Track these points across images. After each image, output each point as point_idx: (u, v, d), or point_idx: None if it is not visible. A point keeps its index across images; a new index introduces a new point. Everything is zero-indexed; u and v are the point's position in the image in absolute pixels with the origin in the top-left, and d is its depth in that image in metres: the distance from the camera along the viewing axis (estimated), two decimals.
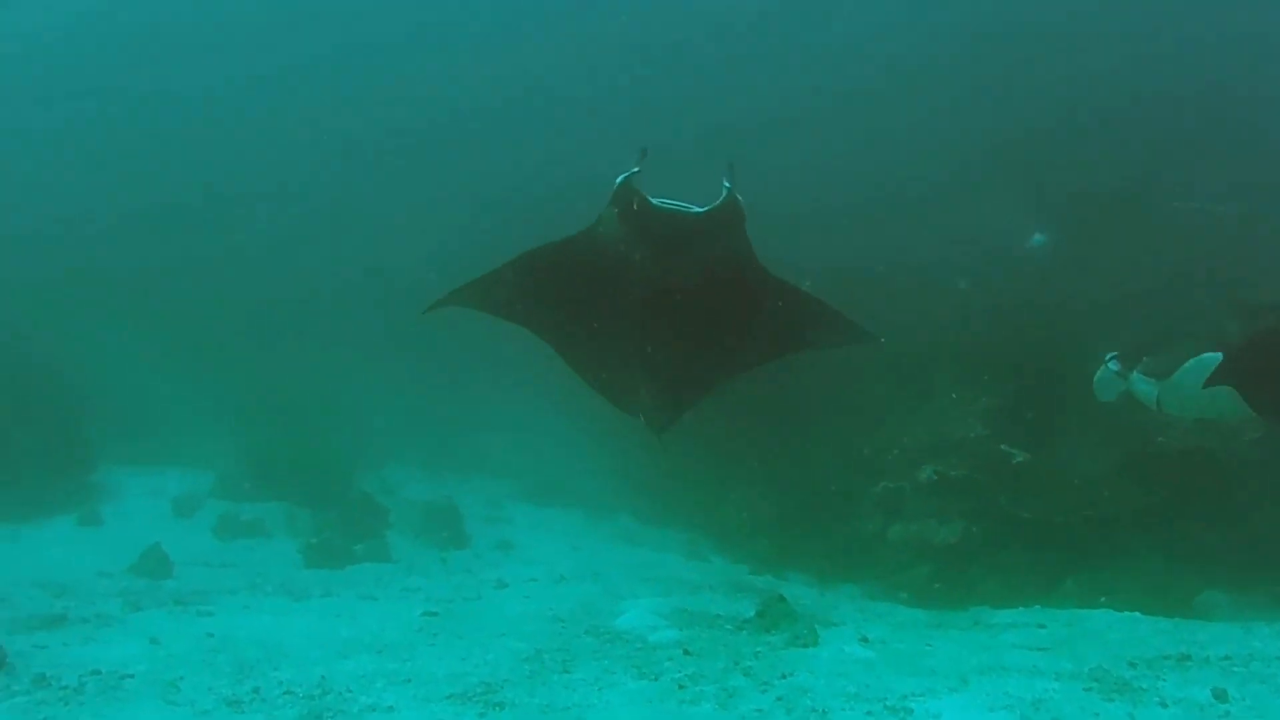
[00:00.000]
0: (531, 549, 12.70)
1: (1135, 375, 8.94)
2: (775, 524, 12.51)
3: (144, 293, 20.35)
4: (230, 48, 25.53)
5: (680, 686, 5.86)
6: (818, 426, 12.87)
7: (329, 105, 25.31)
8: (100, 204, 23.63)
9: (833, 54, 22.38)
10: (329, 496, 13.69)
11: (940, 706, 5.52)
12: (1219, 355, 7.85)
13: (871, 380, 12.64)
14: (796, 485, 12.62)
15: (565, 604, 8.64)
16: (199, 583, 10.15)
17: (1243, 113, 16.81)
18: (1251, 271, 11.23)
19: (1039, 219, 14.50)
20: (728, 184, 5.50)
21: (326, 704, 5.65)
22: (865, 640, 7.04)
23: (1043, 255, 14.03)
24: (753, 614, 7.42)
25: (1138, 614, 8.18)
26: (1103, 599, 9.47)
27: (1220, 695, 5.61)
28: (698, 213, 5.45)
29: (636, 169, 5.46)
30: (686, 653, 6.57)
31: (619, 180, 5.50)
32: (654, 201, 5.43)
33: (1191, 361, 8.07)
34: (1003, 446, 11.47)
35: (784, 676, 6.01)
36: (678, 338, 6.19)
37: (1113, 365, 9.16)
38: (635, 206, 5.45)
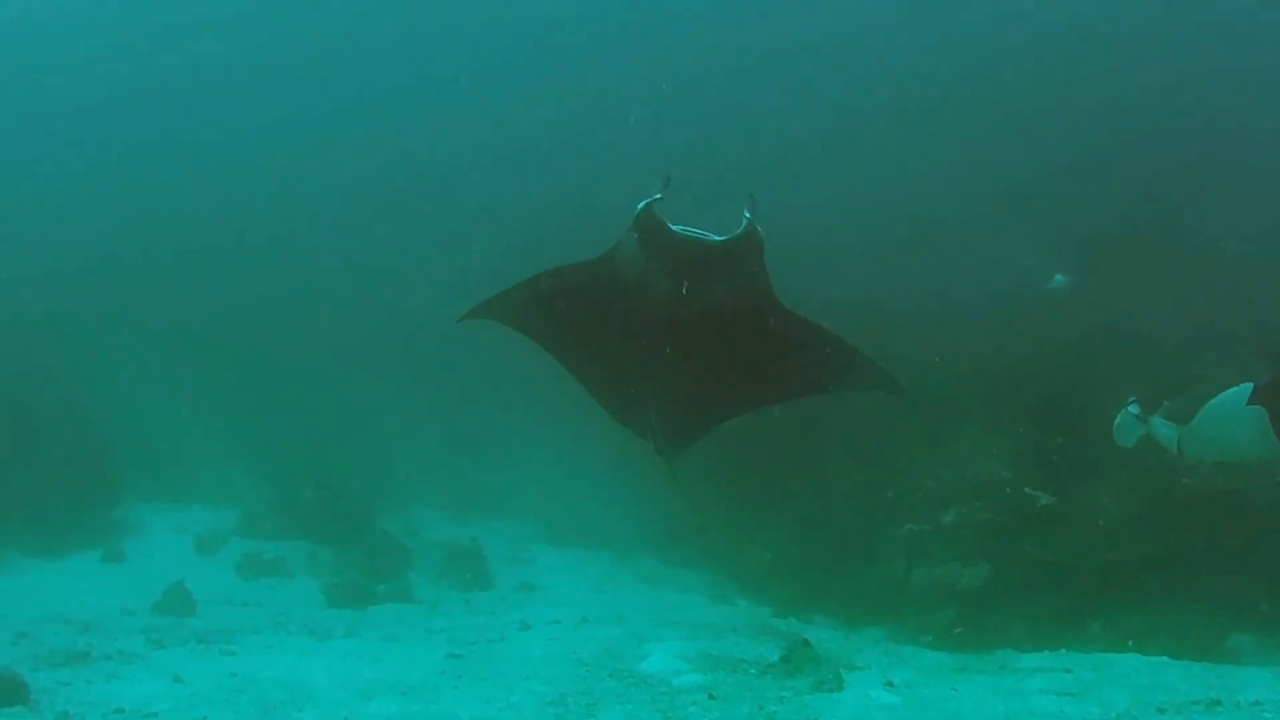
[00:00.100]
0: (555, 590, 12.66)
1: (1156, 419, 8.89)
2: (799, 566, 12.45)
3: (170, 331, 20.43)
4: (260, 93, 25.80)
5: None
6: (841, 468, 12.82)
7: (352, 150, 25.49)
8: (128, 245, 23.78)
9: (855, 93, 22.43)
10: (352, 536, 13.71)
11: None
12: (1240, 396, 7.79)
13: (895, 422, 12.58)
14: (820, 527, 12.57)
15: (589, 647, 8.62)
16: (222, 621, 10.17)
17: (1267, 150, 16.79)
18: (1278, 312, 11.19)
19: (1060, 259, 14.48)
20: (748, 214, 5.52)
21: None
22: (890, 685, 7.00)
23: (1064, 296, 14.01)
24: (777, 658, 7.39)
25: (1165, 658, 8.12)
26: (1129, 643, 9.41)
27: None
28: (716, 241, 5.47)
29: (659, 195, 5.49)
30: (711, 697, 6.54)
31: (640, 206, 5.52)
32: (673, 228, 5.46)
33: (1212, 403, 8.03)
34: (1027, 489, 11.39)
35: None
36: (690, 367, 6.19)
37: (1133, 409, 9.11)
38: (655, 232, 5.47)
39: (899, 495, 12.18)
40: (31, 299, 20.37)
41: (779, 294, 5.96)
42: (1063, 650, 8.96)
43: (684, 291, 5.67)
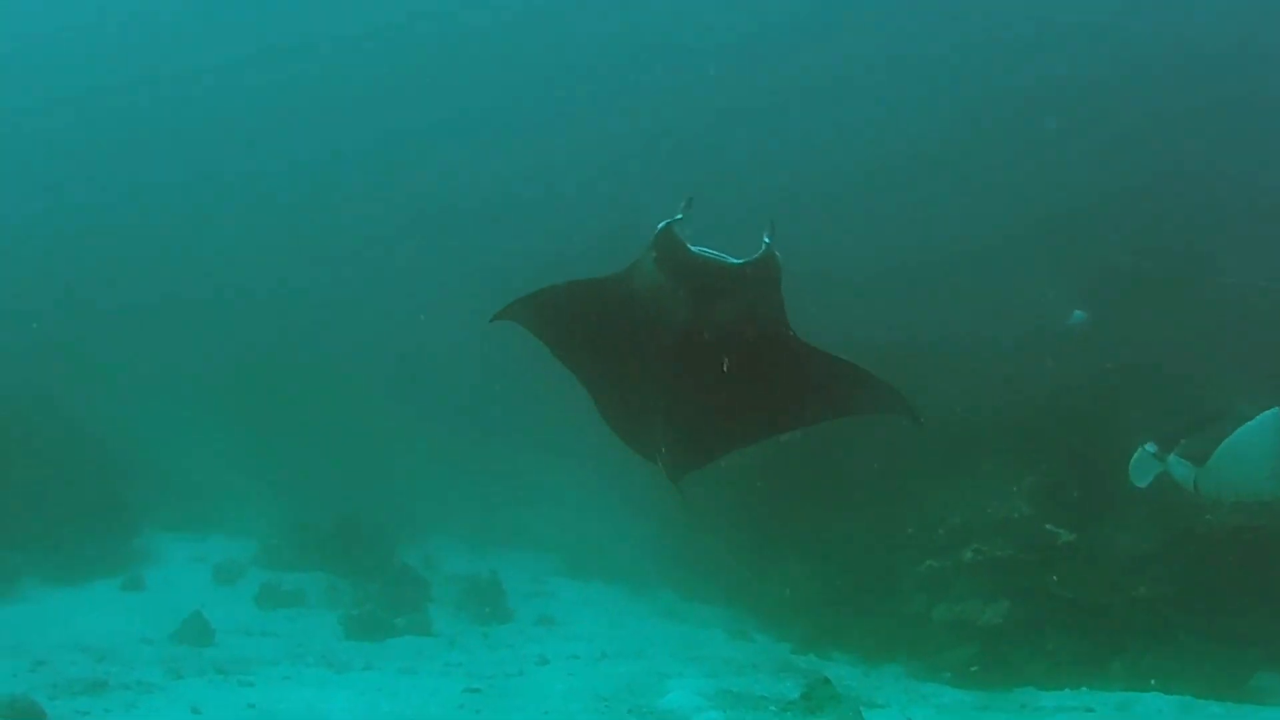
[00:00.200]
0: (574, 624, 12.63)
1: (1173, 457, 8.85)
2: (819, 602, 12.39)
3: (192, 361, 20.52)
4: (287, 132, 26.12)
5: None
6: (861, 503, 12.77)
7: (376, 187, 25.69)
8: (151, 278, 23.96)
9: (881, 131, 22.54)
10: (371, 568, 13.69)
11: None
12: (1254, 433, 7.75)
13: (915, 458, 12.55)
14: (840, 563, 12.51)
15: (608, 682, 8.60)
16: (240, 651, 10.17)
17: None
18: None
19: (1079, 295, 14.47)
20: (768, 239, 5.52)
21: None
22: None
23: (1083, 332, 13.99)
24: (797, 695, 7.36)
25: (1189, 697, 8.08)
26: (1152, 682, 9.35)
27: None
28: (733, 264, 5.48)
29: (680, 216, 5.50)
30: None
31: (660, 225, 5.54)
32: (692, 249, 5.48)
33: (1227, 442, 7.99)
34: (1048, 526, 11.34)
35: None
36: (700, 390, 6.18)
37: (1150, 447, 9.07)
38: (672, 251, 5.48)
39: (919, 531, 12.13)
40: (56, 329, 20.46)
41: (796, 324, 5.96)
42: (1084, 689, 8.92)
43: (697, 312, 5.68)
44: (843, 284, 15.41)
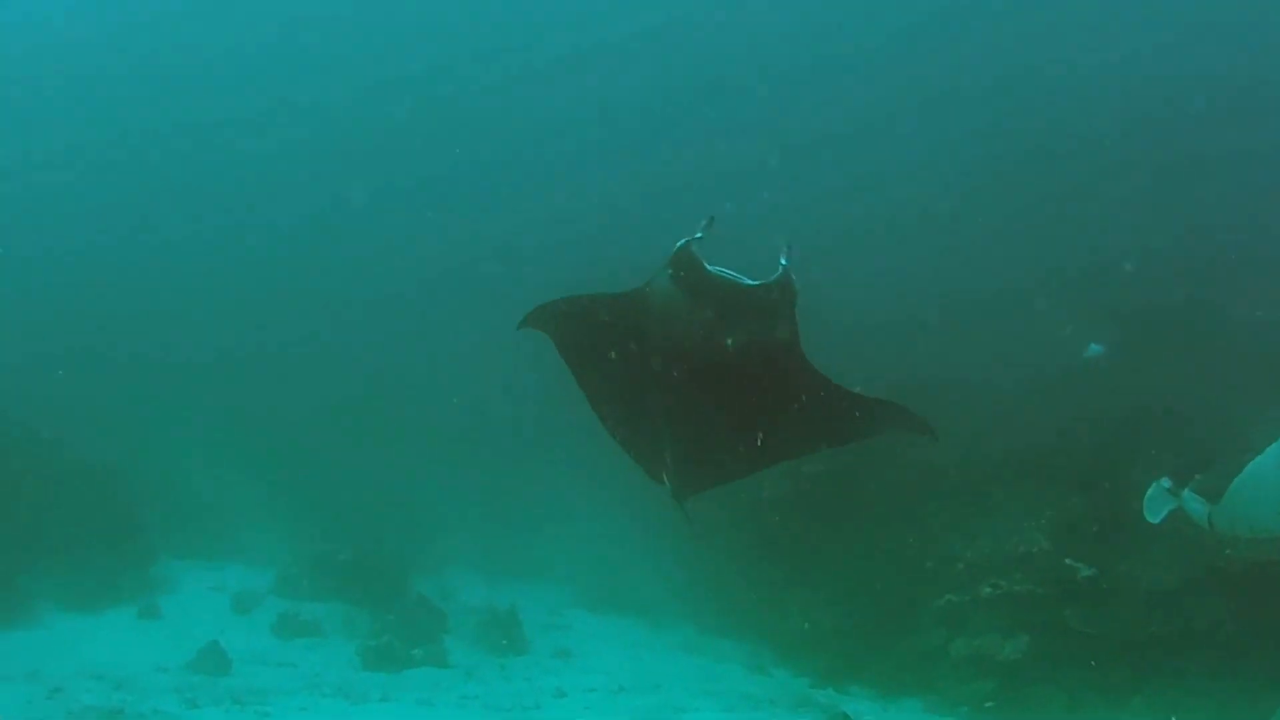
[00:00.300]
0: (591, 657, 12.59)
1: (1187, 493, 8.79)
2: (837, 635, 12.34)
3: (210, 390, 20.60)
4: (304, 186, 26.46)
5: None
6: (880, 537, 12.73)
7: (397, 234, 25.87)
8: (170, 311, 24.12)
9: (897, 172, 22.66)
10: (388, 598, 13.67)
11: None
12: (1266, 467, 7.71)
13: (934, 492, 12.53)
14: (858, 596, 12.47)
15: (625, 716, 8.58)
16: (257, 681, 10.17)
17: None
18: None
19: (1097, 330, 14.46)
20: (785, 261, 5.52)
21: None
22: None
23: (1099, 365, 13.96)
24: None
25: None
26: (1171, 718, 9.29)
27: None
28: (749, 285, 5.49)
29: (700, 234, 5.51)
30: None
31: (679, 244, 5.54)
32: (709, 267, 5.48)
33: (1240, 477, 7.95)
34: (1067, 560, 11.29)
35: None
36: (709, 409, 6.17)
37: (1164, 483, 9.01)
38: (689, 269, 5.49)
39: (938, 565, 12.09)
40: (76, 361, 20.56)
41: (813, 357, 5.95)
42: None
43: (710, 331, 5.68)
44: (864, 324, 15.41)
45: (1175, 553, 10.67)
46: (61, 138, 27.52)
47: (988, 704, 10.44)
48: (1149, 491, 8.98)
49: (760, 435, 6.14)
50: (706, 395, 5.92)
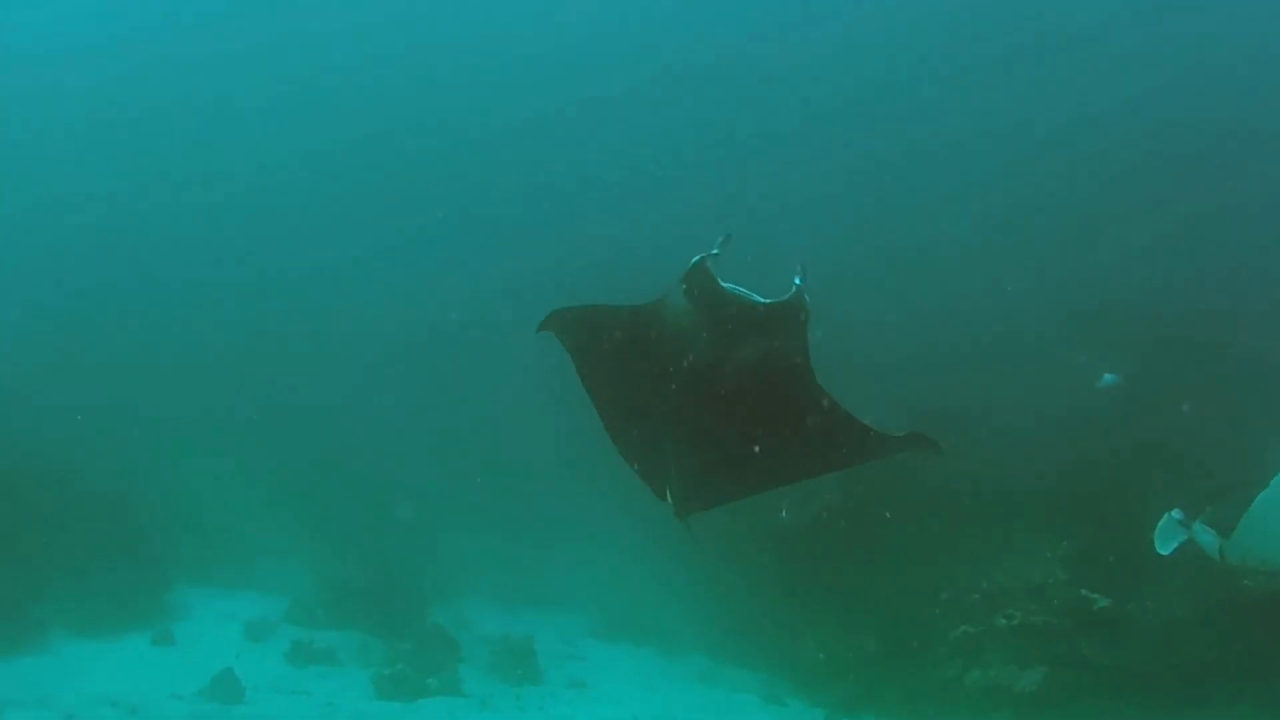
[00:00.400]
0: (606, 687, 12.58)
1: (1198, 524, 8.76)
2: (852, 666, 12.31)
3: (225, 417, 20.65)
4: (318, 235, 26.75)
5: None
6: (896, 567, 12.70)
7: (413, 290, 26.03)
8: (186, 340, 24.24)
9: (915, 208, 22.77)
10: (402, 627, 13.65)
11: None
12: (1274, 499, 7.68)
13: (950, 523, 12.50)
14: (874, 626, 12.43)
15: None
16: (271, 710, 10.17)
17: None
18: None
19: (1111, 360, 14.43)
20: (799, 280, 5.52)
21: None
22: None
23: (1114, 395, 13.93)
24: None
25: None
26: None
27: None
28: (762, 303, 5.49)
29: (716, 251, 5.51)
30: None
31: (694, 260, 5.55)
32: (722, 284, 5.49)
33: (1250, 511, 7.92)
34: (1083, 591, 11.25)
35: None
36: (715, 427, 6.15)
37: (1176, 514, 8.98)
38: (703, 285, 5.50)
39: (954, 596, 12.05)
40: (92, 385, 20.63)
41: (828, 382, 5.94)
42: None
43: (721, 347, 5.69)
44: (882, 353, 15.42)
45: (1192, 583, 10.63)
46: (87, 186, 27.86)
47: None
48: (1161, 523, 8.96)
49: (765, 455, 6.13)
50: (713, 412, 5.91)
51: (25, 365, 20.38)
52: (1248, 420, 12.05)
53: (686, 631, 14.19)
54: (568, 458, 14.59)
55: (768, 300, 5.45)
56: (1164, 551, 8.97)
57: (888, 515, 12.62)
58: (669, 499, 6.32)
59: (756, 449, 6.08)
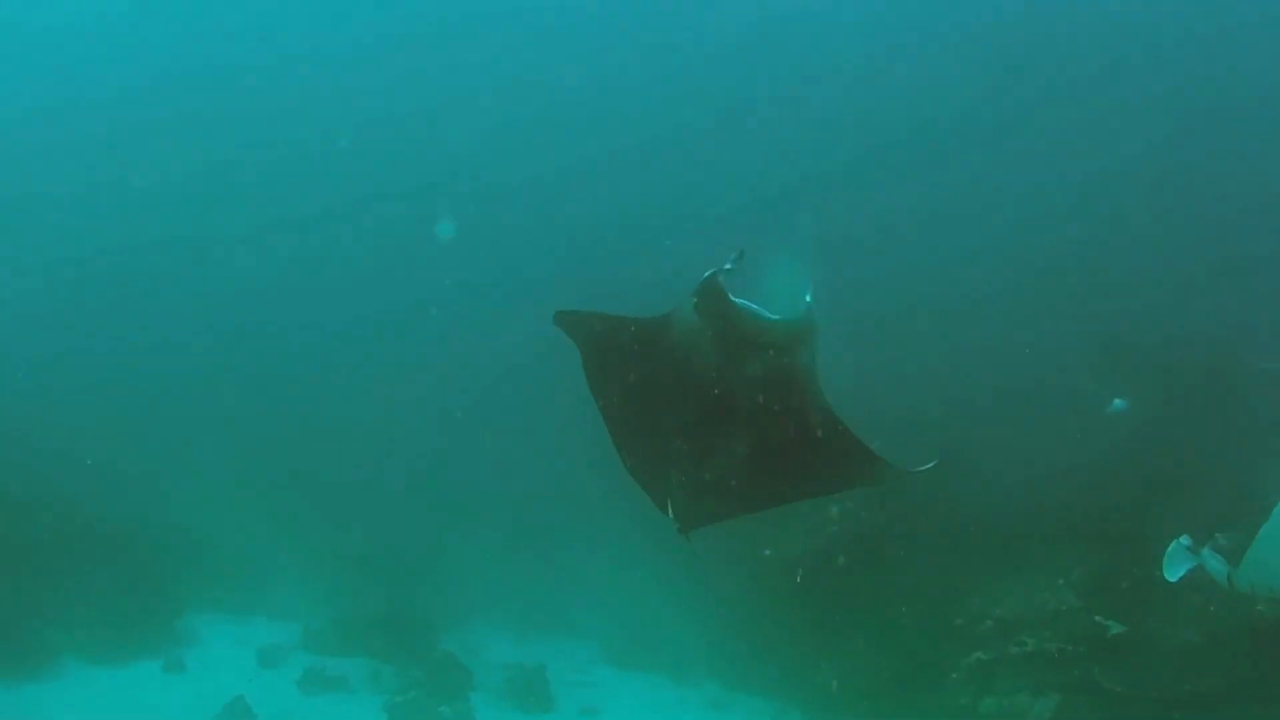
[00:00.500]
0: (618, 715, 12.56)
1: (1207, 551, 8.74)
2: (866, 693, 12.28)
3: (238, 443, 20.67)
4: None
5: None
6: (909, 594, 12.68)
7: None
8: (199, 370, 24.33)
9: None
10: (414, 654, 13.63)
11: None
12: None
13: (963, 549, 12.49)
14: (887, 653, 12.41)
15: None
16: None
17: None
18: None
19: (1121, 385, 14.44)
20: (809, 297, 5.54)
21: None
22: None
23: (1125, 420, 13.93)
24: None
25: None
26: None
27: None
28: (769, 318, 5.51)
29: (729, 266, 5.53)
30: None
31: (707, 274, 5.57)
32: (732, 298, 5.51)
33: (1258, 539, 7.91)
34: (1097, 618, 11.23)
35: None
36: (720, 441, 6.15)
37: (1185, 540, 8.96)
38: (713, 299, 5.52)
39: (967, 622, 12.03)
40: (103, 411, 20.69)
41: (837, 402, 5.93)
42: None
43: (728, 360, 5.70)
44: (893, 377, 15.44)
45: (1206, 609, 10.60)
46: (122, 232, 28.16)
47: None
48: (1169, 549, 8.95)
49: (768, 472, 6.12)
50: (718, 426, 5.92)
51: (36, 392, 20.49)
52: (1262, 446, 12.05)
53: (699, 659, 14.15)
54: (581, 481, 14.60)
55: (777, 316, 5.47)
56: (1172, 578, 8.95)
57: (900, 542, 12.64)
58: (670, 512, 6.32)
59: (759, 465, 6.09)
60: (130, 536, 14.88)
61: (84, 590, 13.51)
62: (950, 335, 19.15)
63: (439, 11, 27.14)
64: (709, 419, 5.93)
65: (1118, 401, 14.09)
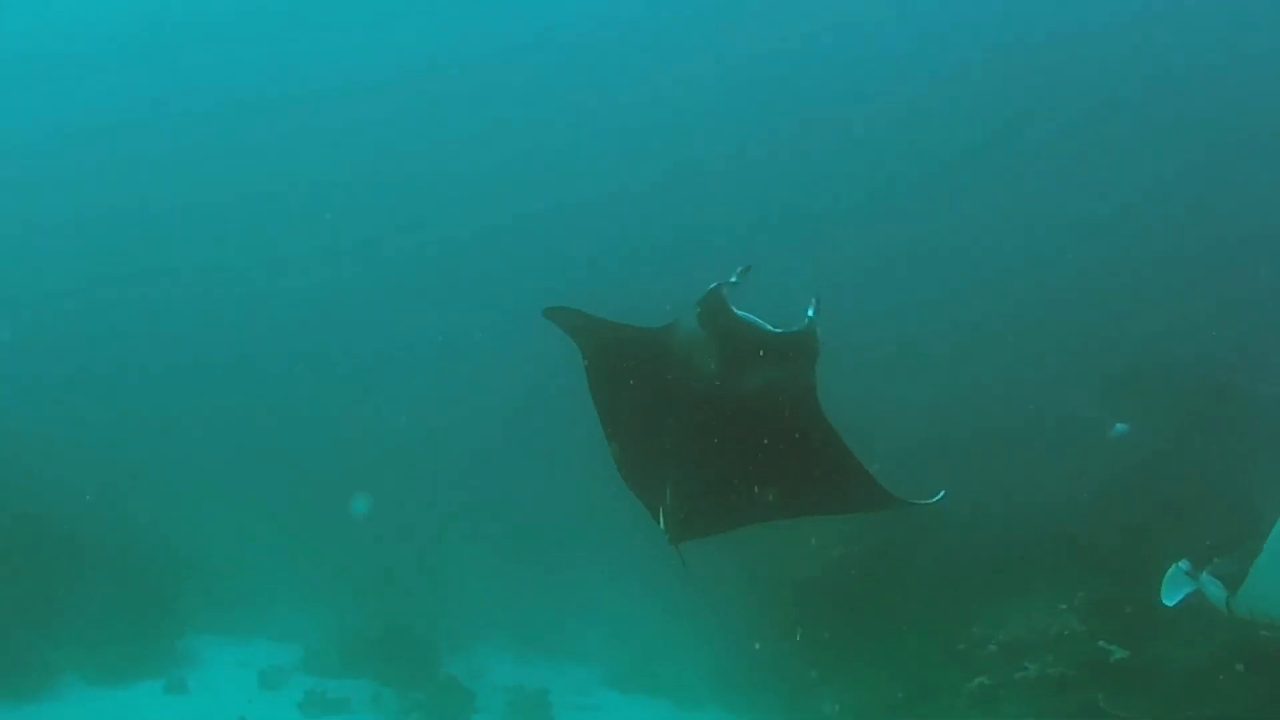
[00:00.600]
0: None
1: (1205, 575, 8.71)
2: (868, 717, 12.25)
3: (240, 465, 20.68)
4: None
5: None
6: (912, 618, 12.67)
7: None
8: (202, 390, 24.37)
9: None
10: (416, 677, 13.60)
11: None
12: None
13: (965, 574, 12.48)
14: (890, 678, 12.38)
15: None
16: None
17: None
18: None
19: (1121, 409, 14.44)
20: (811, 312, 5.55)
21: None
22: None
23: (1126, 445, 13.93)
24: None
25: None
26: None
27: None
28: (771, 331, 5.51)
29: (734, 280, 5.54)
30: None
31: (711, 286, 5.58)
32: (735, 311, 5.52)
33: (1256, 564, 7.89)
34: (1100, 642, 11.20)
35: None
36: (716, 453, 6.14)
37: (1184, 565, 8.93)
38: (716, 311, 5.53)
39: (970, 647, 12.01)
40: (105, 432, 20.71)
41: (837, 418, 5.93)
42: None
43: (727, 372, 5.70)
44: (893, 401, 15.47)
45: (1209, 633, 10.58)
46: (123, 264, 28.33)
47: None
48: (1168, 573, 8.92)
49: (762, 486, 6.12)
50: (714, 437, 5.92)
51: (39, 412, 20.52)
52: (1265, 470, 12.04)
53: (702, 682, 14.13)
54: (585, 504, 14.60)
55: (779, 330, 5.48)
56: (1169, 603, 8.92)
57: (903, 567, 12.63)
58: (662, 522, 6.31)
59: (756, 477, 6.08)
60: (132, 556, 14.88)
61: (86, 610, 13.51)
62: (953, 361, 19.20)
63: (476, 39, 27.47)
64: (705, 429, 5.93)
65: (1119, 425, 14.09)
